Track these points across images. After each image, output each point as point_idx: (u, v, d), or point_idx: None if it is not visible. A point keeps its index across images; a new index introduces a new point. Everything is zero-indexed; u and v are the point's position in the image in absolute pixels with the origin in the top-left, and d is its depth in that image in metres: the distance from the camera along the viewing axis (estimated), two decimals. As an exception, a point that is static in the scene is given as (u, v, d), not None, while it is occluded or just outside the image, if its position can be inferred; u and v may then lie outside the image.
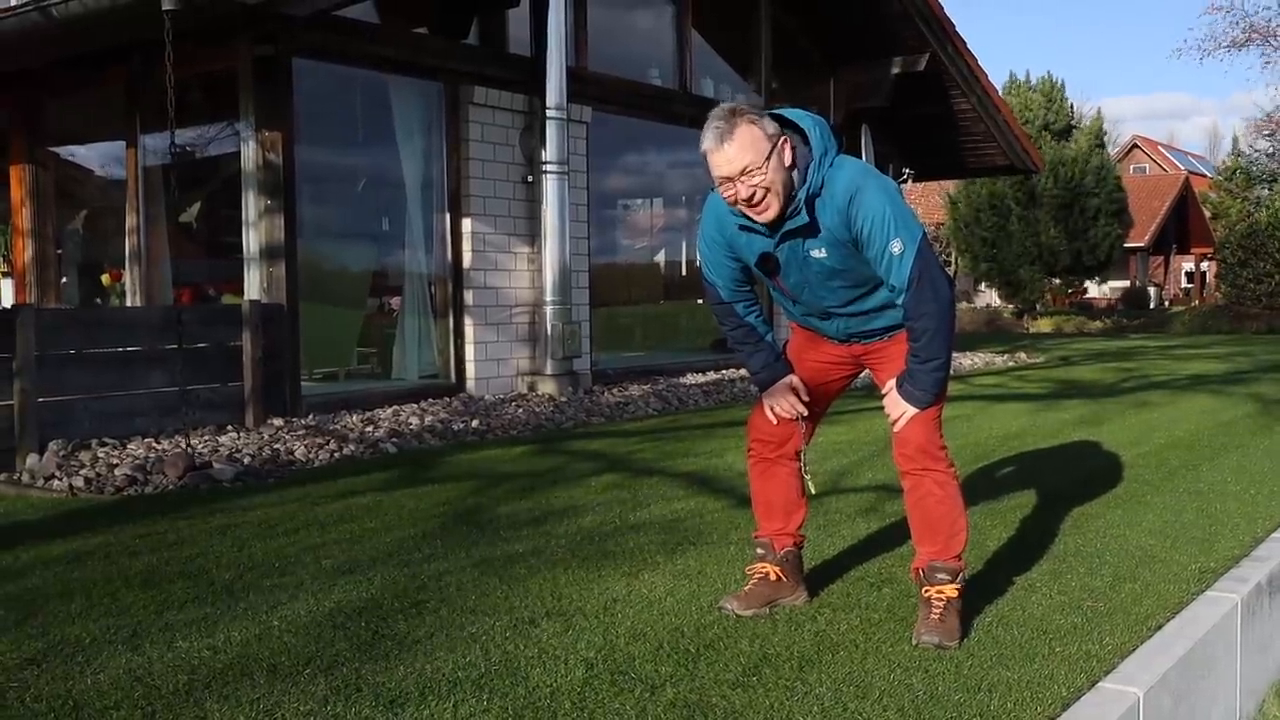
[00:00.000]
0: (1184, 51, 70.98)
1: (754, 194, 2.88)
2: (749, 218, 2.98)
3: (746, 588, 3.29)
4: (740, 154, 2.84)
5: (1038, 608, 3.35)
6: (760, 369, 3.31)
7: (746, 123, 2.85)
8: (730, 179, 2.88)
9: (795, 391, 3.26)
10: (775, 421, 3.30)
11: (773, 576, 3.29)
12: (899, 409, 3.11)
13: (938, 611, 3.05)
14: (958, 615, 3.07)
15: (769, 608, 3.25)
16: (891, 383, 3.14)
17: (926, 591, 3.12)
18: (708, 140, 2.88)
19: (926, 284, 2.94)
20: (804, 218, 2.94)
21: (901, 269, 2.93)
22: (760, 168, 2.85)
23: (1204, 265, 41.52)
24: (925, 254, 2.94)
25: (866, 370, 3.40)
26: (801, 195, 2.92)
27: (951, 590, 3.09)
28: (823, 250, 2.99)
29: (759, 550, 3.37)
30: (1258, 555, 4.06)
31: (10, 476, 5.74)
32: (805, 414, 3.27)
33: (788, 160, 2.90)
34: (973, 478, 5.56)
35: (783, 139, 2.89)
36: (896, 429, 3.14)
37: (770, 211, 2.91)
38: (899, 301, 3.00)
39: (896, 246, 2.91)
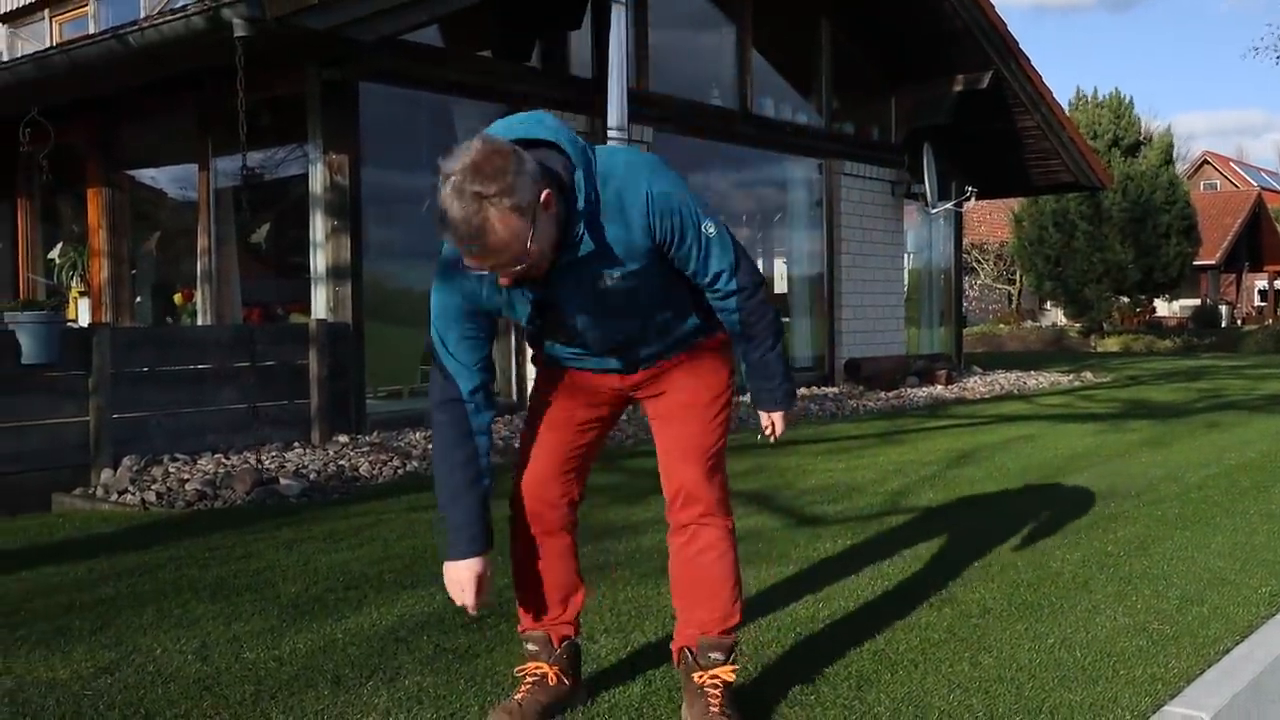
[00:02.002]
0: (1260, 51, 69.10)
1: (517, 279, 2.27)
2: None
3: (518, 696, 2.60)
4: (494, 255, 2.18)
5: (1102, 630, 3.31)
6: (461, 529, 2.45)
7: (499, 212, 2.12)
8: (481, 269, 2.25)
9: (481, 584, 2.47)
10: (550, 479, 2.64)
11: (551, 679, 2.63)
12: (780, 420, 2.69)
13: (715, 702, 2.52)
14: (737, 707, 2.56)
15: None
16: (765, 416, 2.69)
17: (699, 677, 2.56)
18: (446, 235, 2.18)
19: (744, 258, 2.50)
20: (589, 244, 2.30)
21: (724, 251, 2.44)
22: (522, 258, 2.19)
23: (1278, 283, 40.56)
24: (727, 231, 2.49)
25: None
26: (581, 225, 2.28)
27: (728, 672, 2.57)
28: (617, 273, 2.37)
29: (530, 647, 2.66)
30: (1331, 579, 3.97)
31: (86, 491, 5.90)
32: (475, 609, 2.51)
33: (553, 209, 2.22)
34: (1037, 498, 5.51)
35: (545, 195, 2.18)
36: (775, 438, 2.71)
37: (538, 270, 2.27)
38: (724, 287, 2.48)
39: (710, 229, 2.42)
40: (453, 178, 2.13)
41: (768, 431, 2.72)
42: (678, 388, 2.61)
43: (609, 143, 8.85)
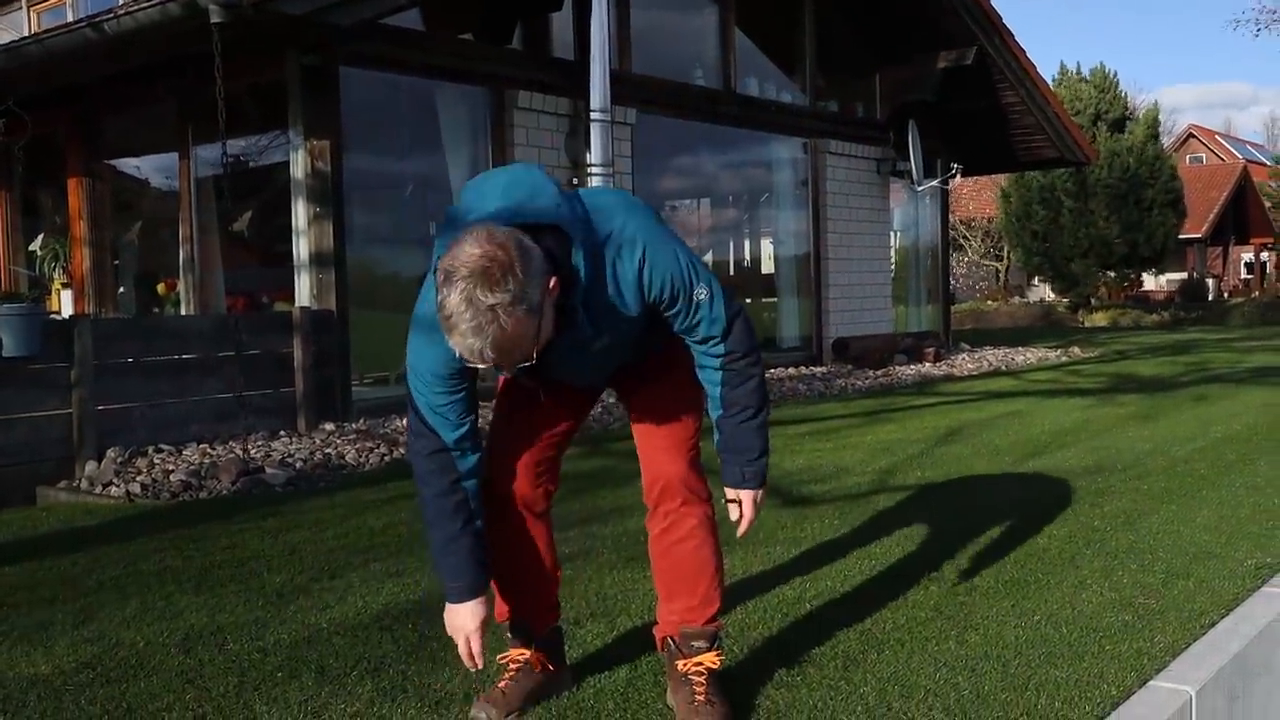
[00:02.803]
0: (1241, 23, 69.21)
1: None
2: None
3: (502, 685, 2.57)
4: (505, 356, 2.10)
5: (1088, 605, 3.31)
6: (457, 575, 2.43)
7: (511, 320, 2.04)
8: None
9: (483, 628, 2.45)
10: (523, 466, 2.58)
11: (535, 666, 2.60)
12: (750, 503, 2.50)
13: (701, 691, 2.49)
14: (722, 693, 2.53)
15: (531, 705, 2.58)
16: (731, 502, 2.52)
17: (682, 665, 2.54)
18: (461, 344, 2.07)
19: (740, 321, 2.41)
20: (585, 327, 2.28)
21: (715, 314, 2.37)
22: (530, 352, 2.13)
23: (1264, 255, 40.69)
24: (721, 288, 2.41)
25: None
26: (579, 304, 2.23)
27: (713, 659, 2.54)
28: (605, 338, 2.35)
29: (512, 634, 2.64)
30: (1317, 551, 3.98)
31: (70, 484, 5.87)
32: (480, 660, 2.48)
33: (555, 293, 2.15)
34: (1024, 474, 5.51)
35: (552, 284, 2.13)
36: (742, 532, 2.53)
37: (532, 357, 2.18)
38: (711, 350, 2.42)
39: (702, 293, 2.35)
40: (459, 284, 2.02)
41: (734, 516, 2.51)
42: (654, 376, 2.58)
43: (592, 124, 8.81)
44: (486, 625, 2.46)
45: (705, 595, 2.57)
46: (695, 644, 2.55)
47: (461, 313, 2.03)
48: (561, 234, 2.19)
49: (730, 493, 2.51)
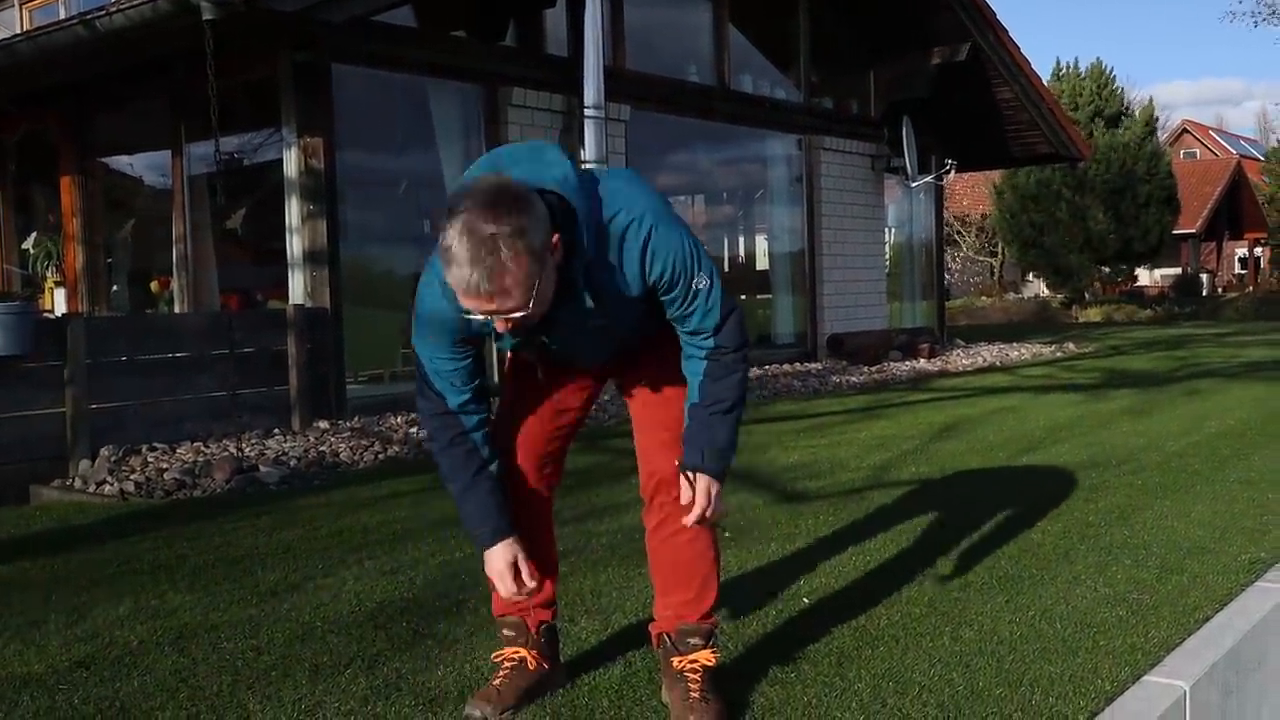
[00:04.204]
0: (1238, 16, 69.24)
1: (516, 328, 2.19)
2: None
3: (496, 682, 2.55)
4: (499, 299, 2.07)
5: (1082, 600, 3.31)
6: (479, 521, 2.44)
7: (511, 252, 2.03)
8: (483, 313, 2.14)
9: (516, 565, 2.43)
10: (526, 461, 2.57)
11: (530, 663, 2.59)
12: (704, 489, 2.38)
13: (696, 688, 2.47)
14: (718, 691, 2.51)
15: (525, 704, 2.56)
16: (685, 482, 2.41)
17: (677, 663, 2.52)
18: (453, 275, 2.05)
19: (734, 317, 2.40)
20: (585, 302, 2.27)
21: (711, 306, 2.36)
22: (528, 300, 2.10)
23: (1258, 251, 40.75)
24: (720, 283, 2.39)
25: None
26: (580, 276, 2.23)
27: (708, 656, 2.53)
28: (605, 316, 2.35)
29: (506, 631, 2.62)
30: (1310, 545, 3.98)
31: (63, 482, 5.86)
32: (533, 590, 2.46)
33: (559, 257, 2.16)
34: (1019, 470, 5.52)
35: (554, 239, 2.13)
36: (691, 519, 2.40)
37: (534, 317, 2.18)
38: (701, 343, 2.40)
39: (702, 282, 2.33)
40: (462, 215, 2.02)
41: (685, 497, 2.39)
42: (655, 370, 2.56)
43: (586, 121, 8.79)
44: (524, 562, 2.43)
45: (701, 590, 2.55)
46: (691, 641, 2.53)
47: (461, 241, 2.02)
48: (570, 207, 2.19)
49: (685, 480, 2.41)
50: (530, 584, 2.44)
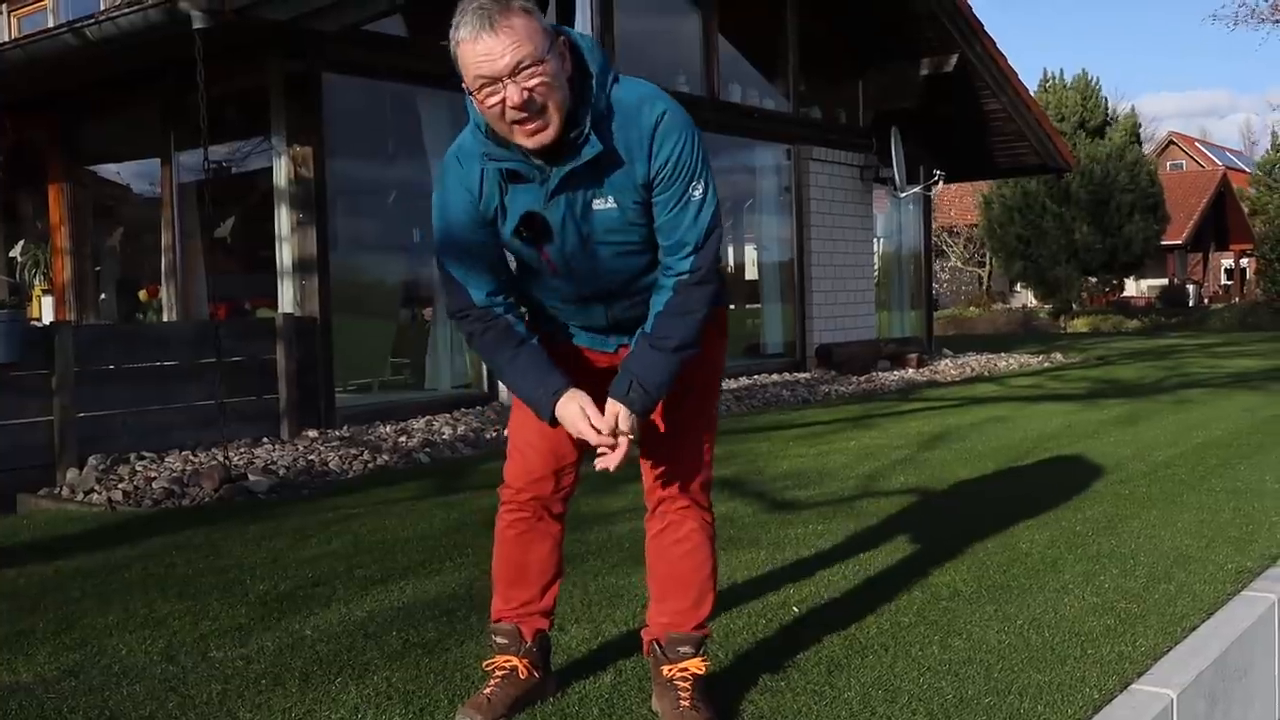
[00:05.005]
0: (1218, 18, 69.74)
1: (531, 100, 2.12)
2: (519, 150, 2.22)
3: (488, 691, 2.54)
4: (514, 44, 2.09)
5: (1070, 609, 3.33)
6: (533, 389, 2.38)
7: (520, 10, 2.11)
8: (495, 79, 2.12)
9: (587, 408, 2.35)
10: (543, 465, 2.56)
11: (521, 672, 2.58)
12: (625, 418, 2.32)
13: (686, 696, 2.47)
14: (707, 699, 2.51)
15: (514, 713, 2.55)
16: (614, 406, 2.34)
17: (667, 671, 2.52)
18: (464, 29, 2.11)
19: (715, 239, 2.31)
20: (595, 145, 2.20)
21: (701, 218, 2.28)
22: (541, 63, 2.11)
23: (1244, 262, 40.97)
24: (718, 210, 2.33)
25: None
26: (587, 118, 2.20)
27: (698, 665, 2.52)
28: (609, 200, 2.27)
29: (499, 639, 2.60)
30: (1296, 554, 4.01)
31: (51, 491, 5.83)
32: (615, 436, 2.34)
33: (567, 69, 2.19)
34: (1007, 479, 5.54)
35: (562, 38, 2.19)
36: (613, 464, 2.33)
37: (551, 130, 2.16)
38: (676, 264, 2.31)
39: (699, 190, 2.28)
40: (472, 4, 2.12)
41: (605, 429, 2.32)
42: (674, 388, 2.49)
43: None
44: (592, 406, 2.35)
45: (696, 599, 2.55)
46: (681, 649, 2.54)
47: (467, 9, 2.12)
48: (584, 62, 2.24)
49: (610, 404, 2.35)
50: (603, 427, 2.32)
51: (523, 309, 2.49)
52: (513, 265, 2.47)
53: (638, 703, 2.64)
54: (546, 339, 2.49)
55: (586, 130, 2.19)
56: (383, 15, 7.66)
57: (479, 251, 2.37)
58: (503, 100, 2.13)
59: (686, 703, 2.47)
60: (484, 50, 2.10)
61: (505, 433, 2.72)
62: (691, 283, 2.32)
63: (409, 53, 8.33)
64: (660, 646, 2.56)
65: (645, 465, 2.59)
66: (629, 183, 2.26)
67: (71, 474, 5.94)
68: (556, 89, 2.14)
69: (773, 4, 12.16)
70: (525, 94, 2.11)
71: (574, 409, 2.35)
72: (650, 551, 2.62)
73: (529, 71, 2.11)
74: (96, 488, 5.66)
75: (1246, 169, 45.45)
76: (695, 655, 2.54)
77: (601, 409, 2.37)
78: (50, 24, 11.34)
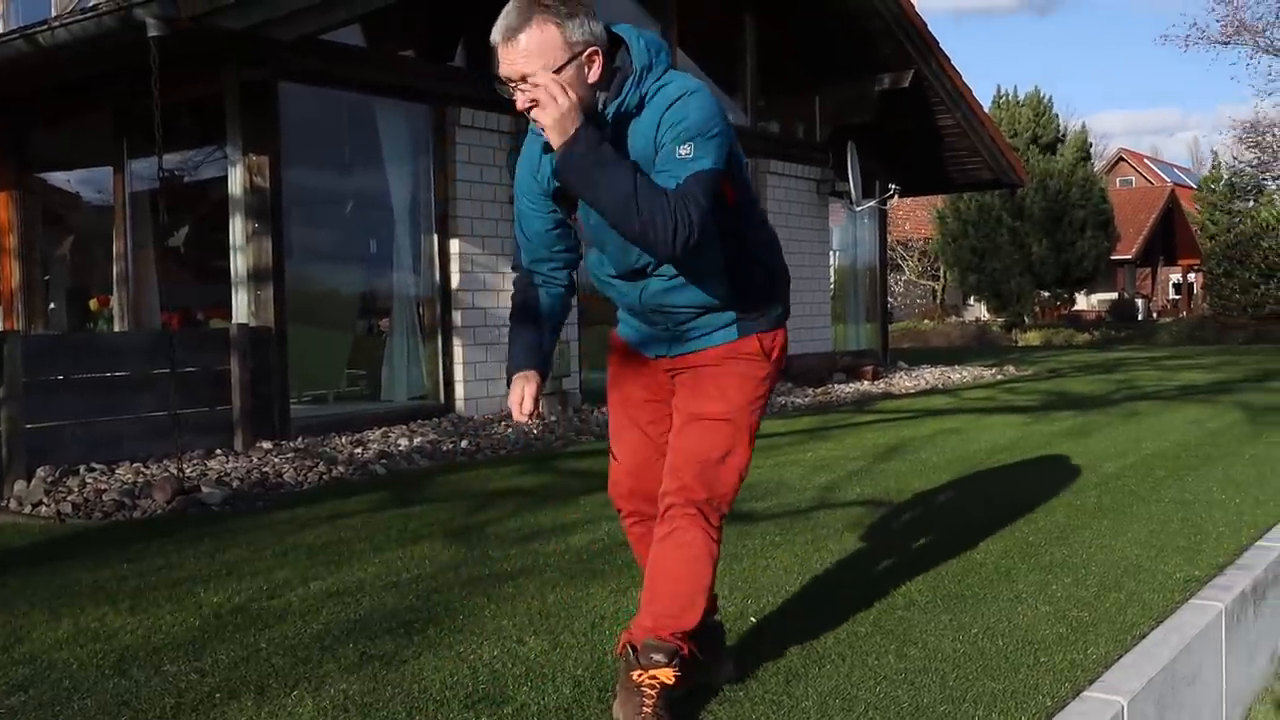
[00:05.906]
0: (1169, 39, 71.25)
1: (534, 105, 2.35)
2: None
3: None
4: (524, 57, 2.34)
5: (1023, 618, 3.37)
6: (512, 356, 2.69)
7: (544, 22, 2.33)
8: (509, 82, 2.39)
9: (527, 394, 2.61)
10: (626, 479, 2.79)
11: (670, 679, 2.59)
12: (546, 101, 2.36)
13: (650, 704, 2.48)
14: (670, 710, 2.51)
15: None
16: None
17: (636, 676, 2.53)
18: (494, 30, 2.38)
19: (692, 203, 2.32)
20: (607, 119, 2.43)
21: (678, 172, 2.35)
22: (535, 67, 2.35)
23: (1191, 277, 41.70)
24: (712, 182, 2.37)
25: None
26: (611, 112, 2.42)
27: (668, 675, 2.52)
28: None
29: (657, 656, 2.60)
30: (1242, 563, 4.09)
31: (-2, 503, 5.74)
32: (529, 416, 2.63)
33: (594, 76, 2.39)
34: (961, 490, 5.59)
35: (591, 51, 2.37)
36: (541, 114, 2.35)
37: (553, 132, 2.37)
38: (666, 181, 2.39)
39: (685, 150, 2.34)
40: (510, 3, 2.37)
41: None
42: (696, 392, 2.67)
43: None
44: (535, 394, 2.61)
45: (684, 607, 2.56)
46: (654, 657, 2.54)
47: (509, 6, 2.38)
48: (630, 60, 2.44)
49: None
50: (524, 414, 2.61)
51: (561, 288, 2.74)
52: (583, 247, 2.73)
53: (597, 713, 2.64)
54: (614, 335, 2.83)
55: (607, 130, 2.40)
56: (340, 25, 7.63)
57: (531, 219, 2.66)
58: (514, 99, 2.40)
59: (649, 709, 2.48)
60: (501, 56, 2.38)
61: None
62: (675, 193, 2.34)
63: (367, 63, 8.31)
64: (634, 650, 2.57)
65: (667, 470, 2.65)
66: (645, 158, 2.41)
67: (19, 486, 5.84)
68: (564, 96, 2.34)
69: (731, 19, 12.25)
70: (530, 102, 2.36)
71: (515, 388, 2.63)
72: (653, 553, 2.64)
73: (534, 80, 2.34)
74: (45, 500, 5.57)
75: (1194, 185, 46.30)
76: (667, 665, 2.53)
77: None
78: (1, 29, 11.19)
